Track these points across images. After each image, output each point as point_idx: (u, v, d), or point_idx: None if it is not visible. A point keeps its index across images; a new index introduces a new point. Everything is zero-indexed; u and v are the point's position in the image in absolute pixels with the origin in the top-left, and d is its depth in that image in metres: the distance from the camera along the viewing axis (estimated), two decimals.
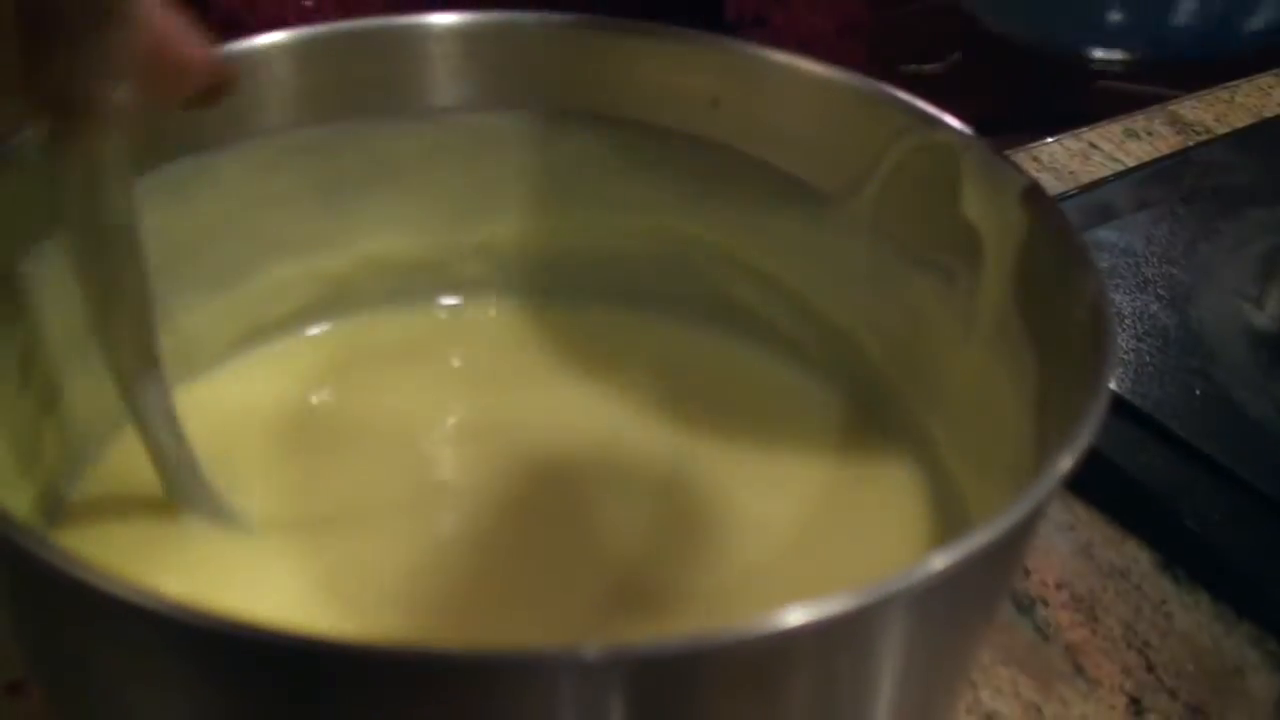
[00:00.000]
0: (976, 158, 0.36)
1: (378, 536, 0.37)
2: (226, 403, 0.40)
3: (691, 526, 0.38)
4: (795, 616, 0.20)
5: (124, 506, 0.36)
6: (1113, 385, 0.49)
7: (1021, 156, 0.67)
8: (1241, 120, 0.74)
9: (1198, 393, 0.50)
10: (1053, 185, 0.65)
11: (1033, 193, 0.34)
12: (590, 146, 0.41)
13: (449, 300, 0.45)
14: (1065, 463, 0.25)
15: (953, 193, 0.36)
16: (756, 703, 0.23)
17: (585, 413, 0.41)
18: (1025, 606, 0.42)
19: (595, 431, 0.41)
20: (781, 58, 0.40)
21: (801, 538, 0.37)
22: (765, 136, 0.40)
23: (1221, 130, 0.72)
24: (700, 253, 0.43)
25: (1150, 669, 0.41)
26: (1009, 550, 0.26)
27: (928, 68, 0.99)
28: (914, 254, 0.39)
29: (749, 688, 0.22)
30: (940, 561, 0.22)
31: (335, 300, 0.43)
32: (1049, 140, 0.69)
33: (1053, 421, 0.30)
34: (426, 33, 0.39)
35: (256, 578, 0.35)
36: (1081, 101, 0.95)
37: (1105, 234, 0.60)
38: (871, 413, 0.42)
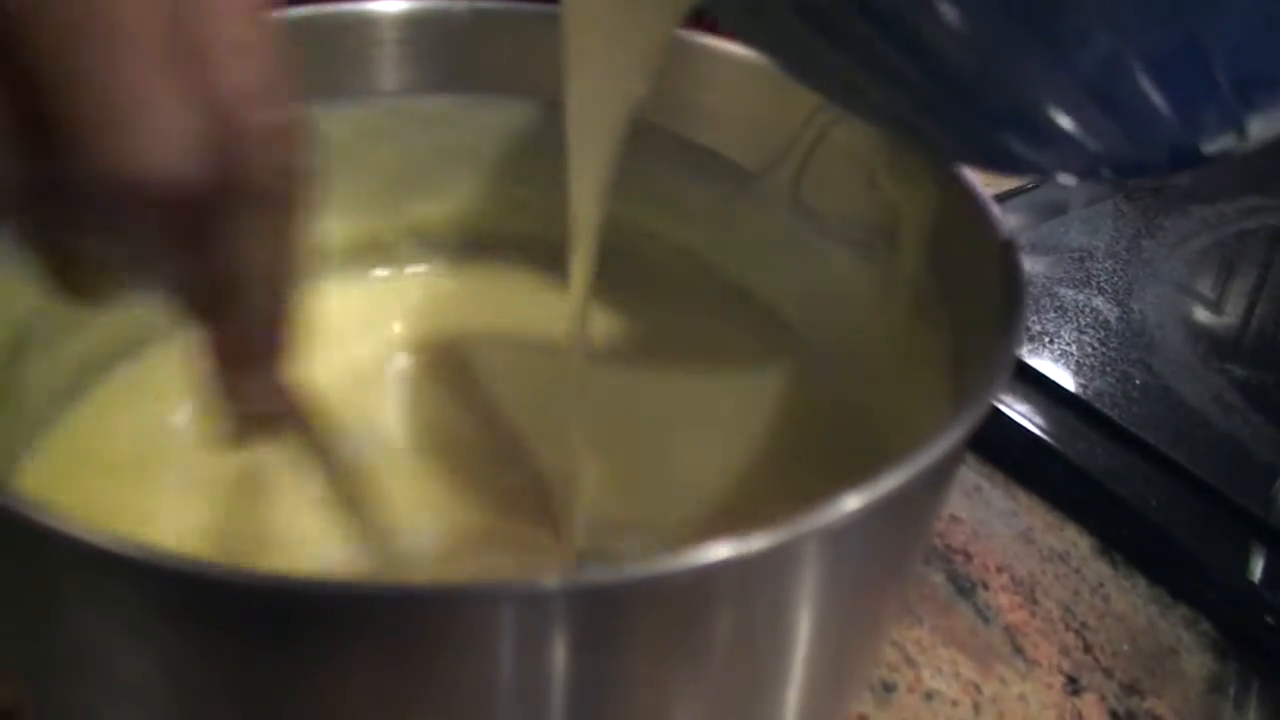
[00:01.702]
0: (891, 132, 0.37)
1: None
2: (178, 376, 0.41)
3: (636, 475, 0.39)
4: (714, 552, 0.21)
5: (73, 475, 0.37)
6: (1055, 376, 0.50)
7: None
8: None
9: (1138, 382, 0.51)
10: (1000, 183, 0.66)
11: (944, 163, 0.35)
12: (518, 127, 0.42)
13: (382, 270, 0.46)
14: (972, 414, 0.25)
15: (868, 166, 0.37)
16: (681, 635, 0.24)
17: (520, 372, 0.42)
18: (966, 589, 0.43)
19: (532, 388, 0.42)
20: (702, 39, 0.41)
21: (739, 490, 0.39)
22: (688, 115, 0.41)
23: None
24: (625, 230, 0.44)
25: (1087, 649, 0.42)
26: (918, 496, 0.27)
27: None
28: (832, 226, 0.40)
29: (673, 621, 0.23)
30: (852, 502, 0.23)
31: None
32: None
33: (968, 381, 0.31)
34: (363, 19, 0.40)
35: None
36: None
37: (1050, 230, 0.61)
38: (800, 376, 0.43)
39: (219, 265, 0.24)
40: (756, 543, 0.22)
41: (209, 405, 0.27)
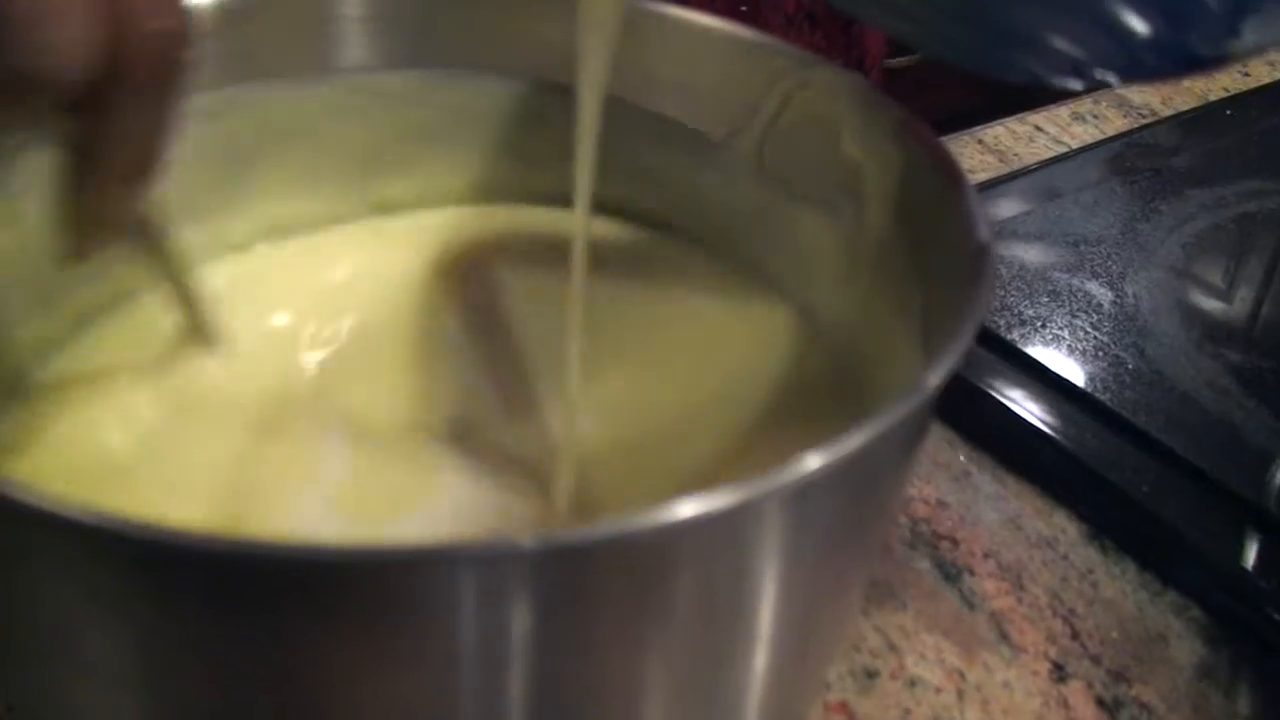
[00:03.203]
0: (854, 96, 0.37)
1: (298, 452, 0.38)
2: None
3: (621, 440, 0.38)
4: (678, 511, 0.21)
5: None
6: (1047, 361, 0.49)
7: (966, 139, 0.68)
8: (1187, 103, 0.74)
9: (1130, 367, 0.50)
10: (997, 167, 0.66)
11: (909, 125, 0.35)
12: (483, 102, 0.41)
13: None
14: (932, 381, 0.25)
15: (833, 131, 0.37)
16: (647, 597, 0.24)
17: (501, 338, 0.42)
18: (952, 575, 0.43)
19: (515, 354, 0.41)
20: (663, 9, 0.40)
21: (726, 452, 0.38)
22: (651, 86, 0.41)
23: (1166, 113, 0.73)
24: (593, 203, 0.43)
25: (1075, 636, 0.41)
26: (881, 459, 0.27)
27: (896, 61, 0.99)
28: (798, 189, 0.40)
29: (639, 582, 0.23)
30: (813, 462, 0.23)
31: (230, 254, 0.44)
32: (995, 124, 0.70)
33: (934, 343, 0.31)
34: None
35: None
36: (1048, 89, 0.96)
37: (1045, 214, 0.60)
38: (777, 340, 0.42)
39: (102, 128, 0.29)
40: (718, 501, 0.22)
41: (61, 221, 0.32)
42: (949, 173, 0.33)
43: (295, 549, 0.21)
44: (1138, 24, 0.25)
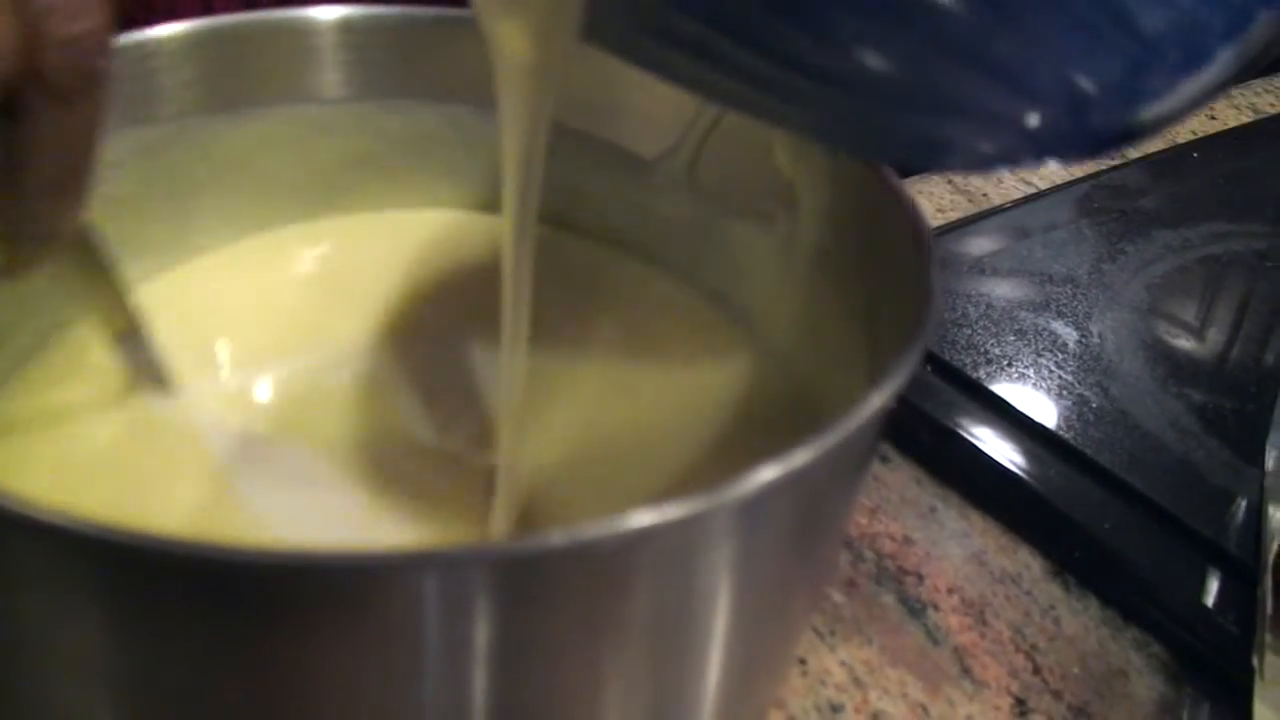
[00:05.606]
0: None
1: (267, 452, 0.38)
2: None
3: (572, 459, 0.39)
4: (635, 520, 0.22)
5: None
6: (1012, 399, 0.50)
7: (935, 179, 0.69)
8: (1154, 146, 0.75)
9: (1094, 406, 0.51)
10: (966, 207, 0.67)
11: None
12: (422, 127, 0.43)
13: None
14: (876, 399, 0.26)
15: (764, 146, 0.38)
16: (603, 604, 0.25)
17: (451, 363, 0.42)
18: (916, 610, 0.43)
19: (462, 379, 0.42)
20: None
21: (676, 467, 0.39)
22: (582, 108, 0.42)
23: (1134, 155, 0.74)
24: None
25: (1036, 671, 0.42)
26: (827, 476, 0.28)
27: None
28: (733, 204, 0.41)
29: (595, 590, 0.24)
30: (760, 478, 0.23)
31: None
32: None
33: (883, 334, 0.32)
34: (264, 27, 0.41)
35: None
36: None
37: (1013, 253, 0.61)
38: (721, 353, 0.43)
39: (23, 137, 0.29)
40: (673, 511, 0.22)
41: None
42: (881, 180, 0.34)
43: (269, 554, 0.22)
44: (1032, 116, 0.26)
